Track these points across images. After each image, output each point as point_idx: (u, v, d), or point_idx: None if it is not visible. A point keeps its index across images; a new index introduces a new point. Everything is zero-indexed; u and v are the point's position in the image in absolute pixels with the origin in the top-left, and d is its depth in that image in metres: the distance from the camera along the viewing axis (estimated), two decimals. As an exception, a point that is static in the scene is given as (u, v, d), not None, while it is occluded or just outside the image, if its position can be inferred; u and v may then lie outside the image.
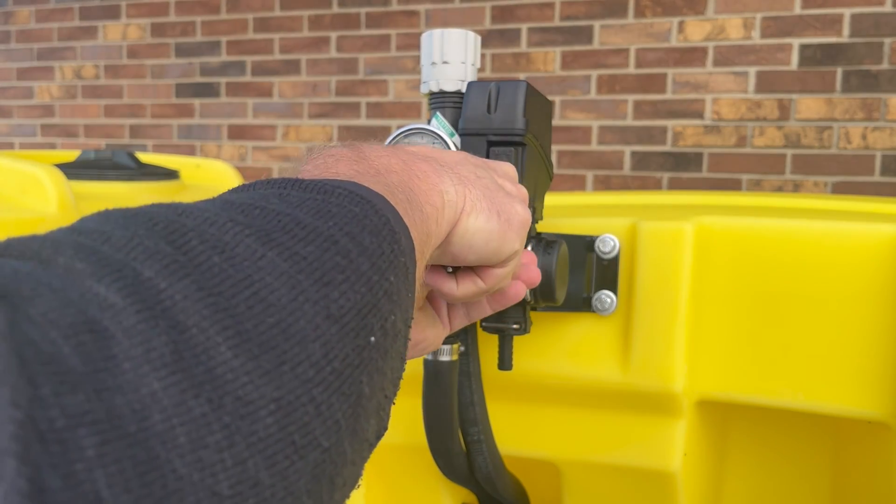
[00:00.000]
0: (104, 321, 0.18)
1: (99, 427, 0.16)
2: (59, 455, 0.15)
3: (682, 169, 2.20)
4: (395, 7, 2.47)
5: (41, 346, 0.16)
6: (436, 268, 0.41)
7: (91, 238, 0.20)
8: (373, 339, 0.24)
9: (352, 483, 0.24)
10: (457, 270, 0.41)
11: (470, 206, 0.35)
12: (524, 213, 0.39)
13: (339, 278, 0.23)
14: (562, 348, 0.58)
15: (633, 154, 2.25)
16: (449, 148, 0.48)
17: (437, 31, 0.51)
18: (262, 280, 0.21)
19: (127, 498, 0.16)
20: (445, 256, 0.37)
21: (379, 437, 0.26)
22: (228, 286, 0.21)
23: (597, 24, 2.25)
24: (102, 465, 0.16)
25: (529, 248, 0.50)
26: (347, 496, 0.24)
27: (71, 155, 1.14)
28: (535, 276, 0.46)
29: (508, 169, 0.43)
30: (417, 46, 2.48)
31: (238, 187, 0.27)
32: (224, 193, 0.26)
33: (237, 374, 0.19)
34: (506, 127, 0.47)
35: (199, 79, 2.73)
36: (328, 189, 0.26)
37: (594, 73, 2.26)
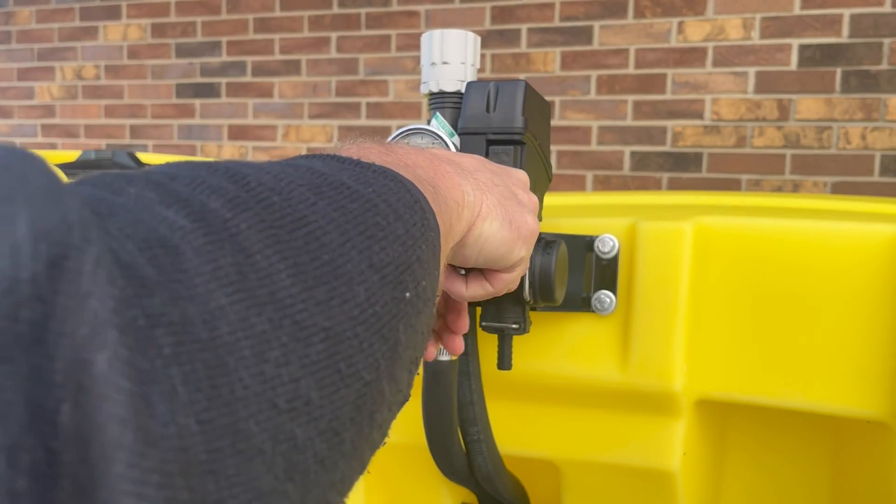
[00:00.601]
0: (174, 239, 0.19)
1: (174, 329, 0.17)
2: (141, 343, 0.17)
3: (681, 169, 2.20)
4: (395, 7, 2.47)
5: (119, 254, 0.17)
6: (448, 268, 0.42)
7: (159, 176, 0.22)
8: (408, 294, 0.26)
9: (386, 428, 0.26)
10: (468, 273, 0.43)
11: (486, 212, 0.37)
12: (533, 224, 0.41)
13: (379, 234, 0.25)
14: (561, 348, 0.58)
15: (633, 154, 2.25)
16: (449, 148, 0.49)
17: (437, 32, 0.52)
18: (315, 222, 0.23)
19: (199, 396, 0.17)
20: (457, 257, 0.38)
21: (405, 399, 0.28)
22: (288, 222, 0.22)
23: (596, 24, 2.25)
24: (178, 363, 0.17)
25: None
26: (381, 442, 0.26)
27: (71, 155, 1.14)
28: (459, 346, 0.48)
29: (522, 176, 0.44)
30: (417, 47, 2.48)
31: (277, 160, 0.28)
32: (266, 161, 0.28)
33: (294, 301, 0.21)
34: (505, 126, 0.48)
35: (199, 79, 2.73)
36: (364, 165, 0.28)
37: (594, 74, 2.26)
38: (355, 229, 0.24)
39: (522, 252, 0.41)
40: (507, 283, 0.43)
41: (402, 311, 0.25)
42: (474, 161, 0.40)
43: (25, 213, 0.15)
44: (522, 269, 0.43)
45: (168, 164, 0.23)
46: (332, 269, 0.22)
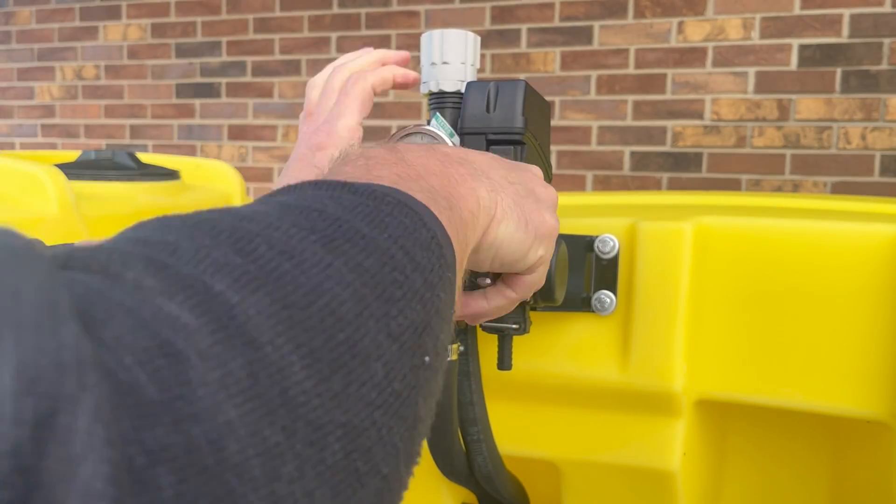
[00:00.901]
0: (178, 343, 0.17)
1: (177, 464, 0.16)
2: (138, 495, 0.15)
3: (681, 169, 2.20)
4: (395, 7, 2.47)
5: (119, 376, 0.16)
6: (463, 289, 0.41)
7: (157, 250, 0.20)
8: (427, 358, 0.24)
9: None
10: (487, 286, 0.42)
11: (501, 214, 0.35)
12: (552, 222, 0.39)
13: (397, 294, 0.23)
14: (561, 348, 0.58)
15: (633, 154, 2.25)
16: (448, 148, 0.48)
17: (436, 32, 0.52)
18: (331, 290, 0.21)
19: None
20: (470, 263, 0.36)
21: (418, 462, 0.26)
22: (301, 295, 0.20)
23: (596, 24, 2.25)
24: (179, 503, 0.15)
25: None
26: None
27: (71, 155, 1.14)
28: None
29: (537, 171, 0.43)
30: (417, 47, 2.46)
31: (285, 188, 0.26)
32: (273, 195, 0.26)
33: (309, 397, 0.19)
34: (505, 126, 0.48)
35: (199, 79, 2.73)
36: (377, 195, 0.26)
37: (594, 74, 2.27)
38: (372, 293, 0.22)
39: (541, 251, 0.39)
40: (530, 285, 0.41)
41: (422, 379, 0.23)
42: (487, 158, 0.38)
43: (12, 356, 0.13)
44: (544, 269, 0.41)
45: (167, 227, 0.21)
46: (348, 349, 0.20)
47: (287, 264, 0.20)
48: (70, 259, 0.19)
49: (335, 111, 0.45)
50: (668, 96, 2.19)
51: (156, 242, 0.20)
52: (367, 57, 0.49)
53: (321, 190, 0.26)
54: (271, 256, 0.20)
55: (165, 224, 0.21)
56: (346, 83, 0.46)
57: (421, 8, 2.44)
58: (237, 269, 0.19)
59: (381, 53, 0.50)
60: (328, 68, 0.49)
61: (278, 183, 0.46)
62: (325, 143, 0.44)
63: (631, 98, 2.23)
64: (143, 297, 0.18)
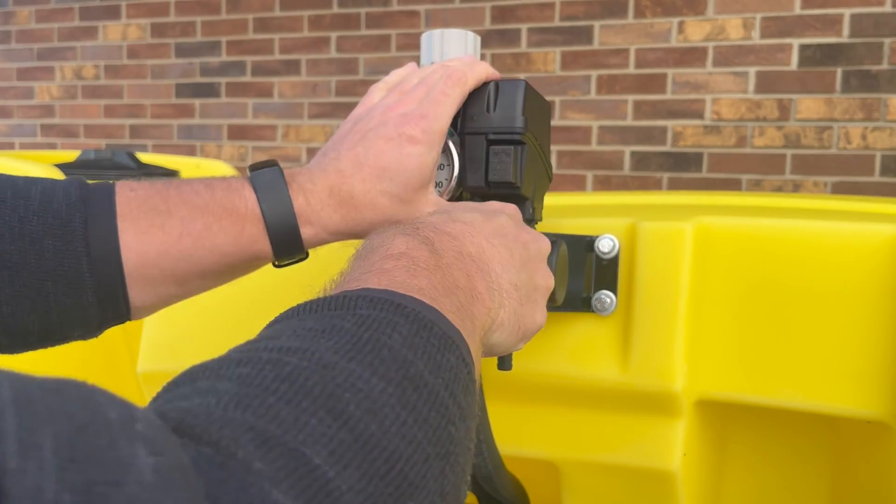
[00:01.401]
0: None
1: None
2: None
3: (681, 169, 2.20)
4: (395, 7, 2.47)
5: None
6: None
7: (259, 415, 0.21)
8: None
9: None
10: None
11: (498, 325, 0.37)
12: (541, 320, 0.42)
13: (450, 450, 0.25)
14: (561, 348, 0.58)
15: (633, 154, 2.25)
16: (450, 148, 0.48)
17: (436, 32, 0.51)
18: (405, 453, 0.23)
19: None
20: None
21: None
22: (382, 463, 0.22)
23: (597, 24, 2.25)
24: None
25: None
26: None
27: (71, 155, 1.14)
28: None
29: (544, 247, 0.44)
30: (417, 46, 2.47)
31: (338, 299, 0.28)
32: (332, 314, 0.27)
33: None
34: (505, 125, 0.47)
35: (199, 79, 2.73)
36: (428, 325, 0.28)
37: (594, 74, 2.27)
38: (434, 451, 0.24)
39: (521, 346, 0.41)
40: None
41: None
42: (502, 256, 0.39)
43: None
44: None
45: (261, 374, 0.23)
46: None
47: (373, 425, 0.23)
48: (182, 422, 0.20)
49: (435, 111, 0.44)
50: (668, 96, 2.19)
51: (257, 406, 0.21)
52: (479, 66, 0.48)
53: (382, 312, 0.27)
54: (359, 417, 0.22)
55: (263, 368, 0.23)
56: (448, 82, 0.45)
57: (421, 8, 2.44)
58: (333, 438, 0.21)
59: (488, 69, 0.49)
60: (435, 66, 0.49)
61: (338, 136, 0.45)
62: (419, 138, 0.44)
63: (631, 98, 2.23)
64: (252, 483, 0.19)
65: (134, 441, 0.17)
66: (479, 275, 0.36)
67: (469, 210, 0.41)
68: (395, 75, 0.50)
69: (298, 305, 0.29)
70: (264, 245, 0.42)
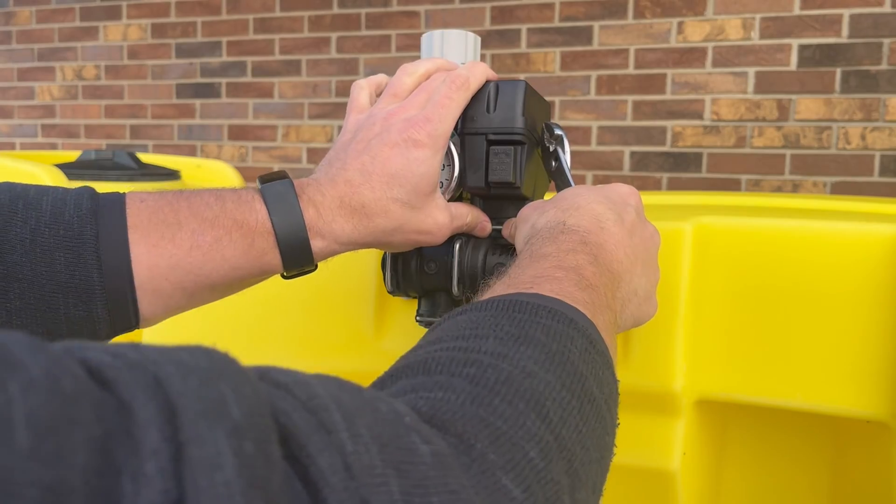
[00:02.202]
0: None
1: None
2: None
3: (681, 169, 2.20)
4: (395, 8, 2.47)
5: None
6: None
7: (489, 411, 0.25)
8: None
9: None
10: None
11: (618, 328, 0.41)
12: (653, 312, 0.47)
13: (605, 455, 0.31)
14: (561, 348, 0.58)
15: (633, 154, 2.25)
16: (449, 149, 0.49)
17: (436, 32, 0.52)
18: (582, 458, 0.28)
19: None
20: None
21: None
22: (578, 467, 0.27)
23: (596, 24, 2.25)
24: None
25: None
26: None
27: (72, 155, 1.14)
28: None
29: (658, 241, 0.48)
30: (417, 47, 2.47)
31: (524, 304, 0.32)
32: (522, 320, 0.31)
33: None
34: (505, 126, 0.48)
35: (199, 79, 2.74)
36: (593, 340, 0.32)
37: (594, 74, 2.27)
38: (597, 455, 0.29)
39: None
40: None
41: None
42: (634, 264, 0.43)
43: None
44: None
45: (484, 371, 0.27)
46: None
47: (564, 430, 0.27)
48: (433, 418, 0.25)
49: (439, 114, 0.44)
50: (667, 96, 2.19)
51: (487, 405, 0.25)
52: (479, 69, 0.48)
53: (561, 325, 0.31)
54: (556, 422, 0.27)
55: (485, 377, 0.27)
56: (451, 86, 0.45)
57: (421, 8, 2.44)
58: (542, 439, 0.26)
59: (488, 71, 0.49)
60: (426, 62, 0.49)
61: (340, 146, 0.46)
62: (424, 142, 0.43)
63: (631, 98, 2.23)
64: (488, 469, 0.23)
65: (410, 431, 0.22)
66: (616, 290, 0.40)
67: (605, 206, 0.43)
68: (380, 76, 0.50)
69: (488, 301, 0.32)
70: (274, 258, 0.42)
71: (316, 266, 0.45)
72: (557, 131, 0.50)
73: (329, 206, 0.43)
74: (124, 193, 0.41)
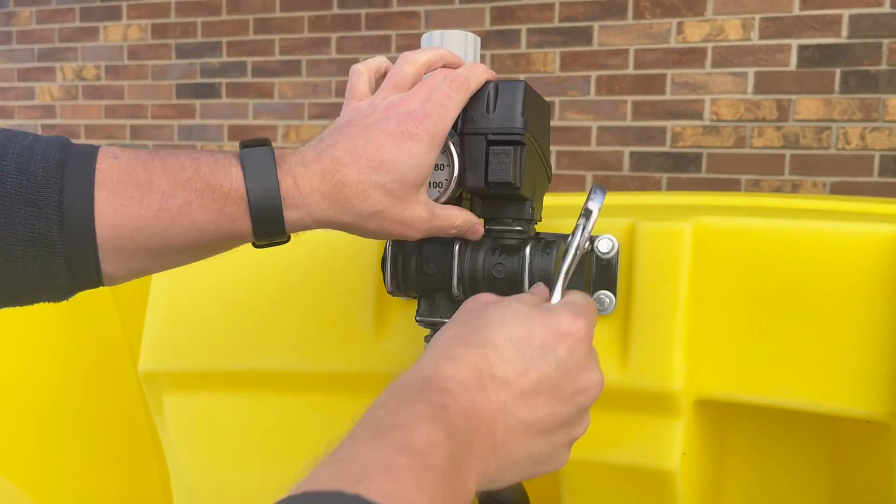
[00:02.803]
0: None
1: None
2: None
3: (680, 169, 2.21)
4: (395, 8, 2.47)
5: None
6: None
7: None
8: None
9: None
10: None
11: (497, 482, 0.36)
12: (564, 462, 0.41)
13: None
14: (561, 348, 0.58)
15: (633, 154, 2.25)
16: (449, 150, 0.49)
17: (436, 32, 0.52)
18: None
19: None
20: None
21: None
22: None
23: (596, 25, 2.25)
24: None
25: (528, 249, 0.50)
26: None
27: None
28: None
29: (596, 394, 0.42)
30: (417, 47, 2.46)
31: None
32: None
33: None
34: (505, 126, 0.48)
35: (199, 79, 2.74)
36: None
37: (593, 74, 2.27)
38: None
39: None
40: None
41: None
42: (536, 424, 0.37)
43: None
44: None
45: None
46: None
47: None
48: None
49: (439, 112, 0.44)
50: (667, 97, 2.19)
51: None
52: (479, 70, 0.48)
53: None
54: None
55: None
56: (452, 85, 0.45)
57: (421, 8, 2.44)
58: None
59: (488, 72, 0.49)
60: (427, 52, 0.48)
61: (336, 126, 0.45)
62: (421, 136, 0.43)
63: (630, 98, 2.23)
64: None
65: None
66: (485, 463, 0.34)
67: (512, 349, 0.37)
68: (379, 59, 0.50)
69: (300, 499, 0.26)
70: (245, 224, 0.41)
71: (288, 238, 0.44)
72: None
73: (309, 180, 0.42)
74: (98, 147, 0.40)
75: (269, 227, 0.41)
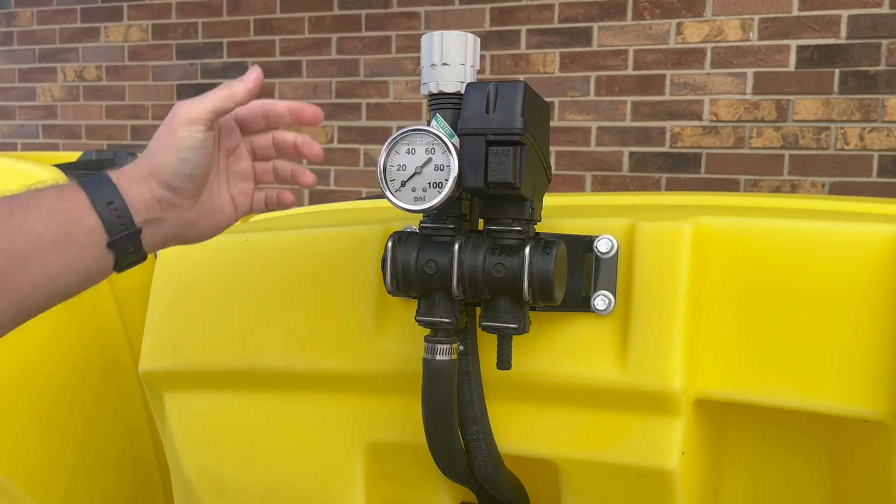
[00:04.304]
0: None
1: None
2: None
3: (680, 170, 2.21)
4: (395, 9, 2.47)
5: None
6: None
7: None
8: None
9: None
10: None
11: None
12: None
13: None
14: (560, 348, 0.59)
15: (632, 155, 2.25)
16: (448, 149, 0.49)
17: (436, 33, 0.52)
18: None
19: None
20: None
21: None
22: None
23: (595, 25, 2.25)
24: None
25: (528, 249, 0.50)
26: None
27: (73, 156, 1.15)
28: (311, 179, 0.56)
29: None
30: (417, 48, 2.47)
31: None
32: None
33: None
34: (504, 127, 0.48)
35: (200, 80, 2.74)
36: None
37: (593, 75, 2.27)
38: None
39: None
40: None
41: None
42: None
43: None
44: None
45: None
46: None
47: None
48: None
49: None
50: (666, 97, 2.19)
51: None
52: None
53: None
54: None
55: None
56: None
57: (421, 9, 2.44)
58: None
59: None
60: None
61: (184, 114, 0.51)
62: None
63: (630, 99, 2.23)
64: None
65: None
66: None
67: None
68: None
69: None
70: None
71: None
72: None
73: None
74: None
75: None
